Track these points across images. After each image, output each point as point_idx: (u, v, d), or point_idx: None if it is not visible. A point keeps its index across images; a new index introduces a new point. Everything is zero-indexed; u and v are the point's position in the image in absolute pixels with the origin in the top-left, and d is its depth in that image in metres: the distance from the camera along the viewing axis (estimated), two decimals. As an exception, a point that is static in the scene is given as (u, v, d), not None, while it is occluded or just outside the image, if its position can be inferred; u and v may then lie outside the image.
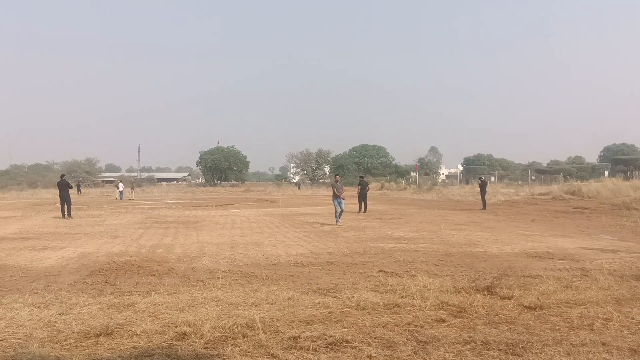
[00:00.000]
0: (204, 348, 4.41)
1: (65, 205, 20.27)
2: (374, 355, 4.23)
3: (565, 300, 5.90)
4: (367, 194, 23.20)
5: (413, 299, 5.97)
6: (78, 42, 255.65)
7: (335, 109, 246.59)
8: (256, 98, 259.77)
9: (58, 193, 21.00)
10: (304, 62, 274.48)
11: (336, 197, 17.19)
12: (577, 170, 72.08)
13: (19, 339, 4.65)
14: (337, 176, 19.00)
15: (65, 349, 4.41)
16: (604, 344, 4.41)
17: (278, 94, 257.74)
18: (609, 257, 9.39)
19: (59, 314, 5.48)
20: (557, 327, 4.93)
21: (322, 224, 17.02)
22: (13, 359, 4.14)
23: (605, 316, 5.24)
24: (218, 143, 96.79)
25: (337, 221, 16.70)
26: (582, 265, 8.52)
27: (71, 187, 21.33)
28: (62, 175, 22.14)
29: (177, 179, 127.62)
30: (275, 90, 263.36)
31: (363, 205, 22.49)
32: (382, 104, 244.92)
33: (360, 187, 22.94)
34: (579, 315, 5.32)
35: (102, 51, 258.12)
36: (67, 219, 19.61)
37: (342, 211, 17.07)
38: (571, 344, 4.44)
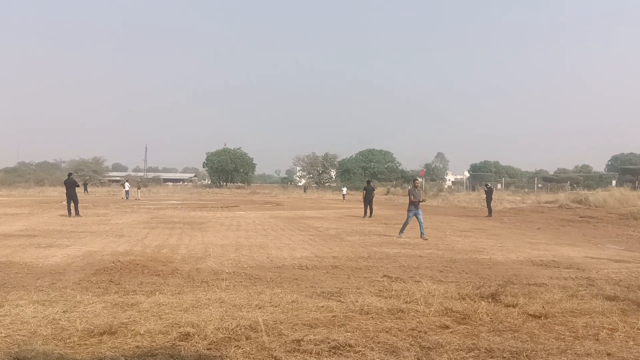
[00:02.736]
0: (207, 349, 4.41)
1: (72, 204, 20.38)
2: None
3: (570, 310, 5.86)
4: (373, 199, 23.21)
5: (417, 304, 5.95)
6: (86, 41, 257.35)
7: (342, 113, 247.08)
8: (263, 100, 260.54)
9: (65, 191, 21.11)
10: (311, 65, 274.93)
11: (415, 206, 14.28)
12: (585, 179, 71.74)
13: (23, 335, 4.67)
14: (416, 181, 15.74)
15: (69, 346, 4.42)
16: (609, 354, 4.38)
17: (285, 97, 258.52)
18: (615, 267, 9.32)
19: (64, 311, 5.49)
20: (562, 336, 4.90)
21: (328, 228, 17.01)
22: (17, 356, 4.15)
23: (610, 326, 5.20)
24: (225, 145, 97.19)
25: (400, 232, 14.33)
26: (588, 274, 8.46)
27: (78, 186, 21.43)
28: (70, 174, 22.23)
29: (183, 180, 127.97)
30: (283, 92, 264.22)
31: (369, 210, 22.50)
32: (390, 109, 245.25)
33: (366, 191, 22.96)
34: (584, 324, 5.28)
35: (111, 50, 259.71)
36: (73, 217, 19.71)
37: (421, 224, 14.13)
38: (576, 353, 4.40)
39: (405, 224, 14.39)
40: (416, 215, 14.21)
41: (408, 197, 14.65)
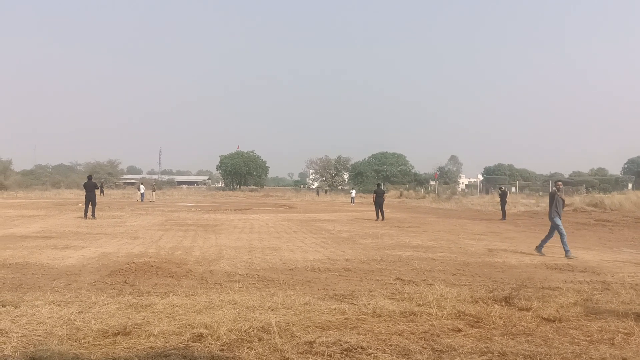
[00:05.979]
0: (220, 350, 4.44)
1: (91, 206, 20.52)
2: (389, 362, 4.21)
3: (585, 314, 5.80)
4: (384, 202, 23.17)
5: (430, 307, 5.92)
6: (101, 43, 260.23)
7: (355, 116, 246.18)
8: (276, 103, 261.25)
9: (84, 193, 21.13)
10: (324, 68, 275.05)
11: (559, 212, 11.78)
12: (600, 182, 70.84)
13: (39, 335, 4.74)
14: (560, 183, 12.95)
15: (83, 347, 4.48)
16: (624, 359, 4.33)
17: (299, 100, 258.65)
18: (631, 271, 9.21)
19: (79, 312, 5.56)
20: (577, 341, 4.85)
21: (341, 230, 17.00)
22: (33, 355, 4.21)
23: (626, 331, 5.14)
24: (238, 148, 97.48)
25: (566, 251, 11.18)
26: (603, 278, 8.37)
27: (98, 189, 21.46)
28: (90, 177, 21.77)
29: (197, 183, 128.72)
30: (296, 96, 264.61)
31: (380, 213, 22.46)
32: (403, 112, 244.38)
33: (376, 195, 22.94)
34: (599, 329, 5.22)
35: (125, 52, 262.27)
36: (89, 219, 19.91)
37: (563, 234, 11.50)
38: (591, 358, 4.36)
39: (563, 235, 11.47)
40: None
41: (557, 202, 11.78)
